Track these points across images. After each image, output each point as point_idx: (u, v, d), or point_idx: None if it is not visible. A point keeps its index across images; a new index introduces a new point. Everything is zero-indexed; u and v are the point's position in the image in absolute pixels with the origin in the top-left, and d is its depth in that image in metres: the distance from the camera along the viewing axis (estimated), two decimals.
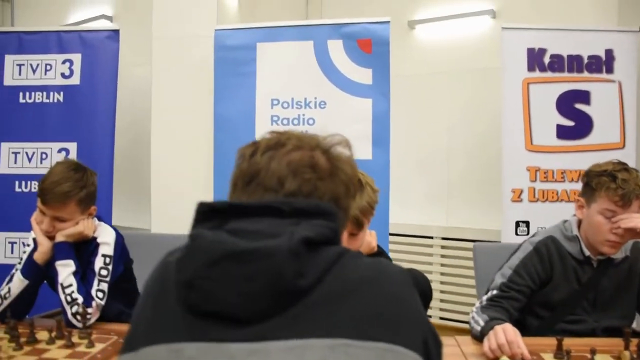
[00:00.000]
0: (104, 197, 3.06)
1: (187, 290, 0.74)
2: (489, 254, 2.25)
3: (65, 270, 1.78)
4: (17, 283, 1.81)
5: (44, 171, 3.29)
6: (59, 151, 3.35)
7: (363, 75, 3.04)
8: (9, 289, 1.82)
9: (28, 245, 1.96)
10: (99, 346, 1.55)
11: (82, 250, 1.86)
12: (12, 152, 3.41)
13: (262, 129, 3.08)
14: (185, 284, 0.74)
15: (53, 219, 1.81)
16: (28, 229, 3.32)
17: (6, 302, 1.81)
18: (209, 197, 3.15)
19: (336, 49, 3.07)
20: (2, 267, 3.26)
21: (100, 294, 1.78)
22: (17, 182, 3.39)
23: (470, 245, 2.48)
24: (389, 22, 3.06)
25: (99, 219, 1.95)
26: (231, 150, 3.00)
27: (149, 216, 3.31)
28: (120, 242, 1.90)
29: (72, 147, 3.34)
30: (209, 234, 0.75)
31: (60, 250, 1.80)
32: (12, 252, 3.36)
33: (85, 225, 1.85)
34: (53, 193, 1.76)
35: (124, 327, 1.77)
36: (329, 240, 0.77)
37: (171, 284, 0.78)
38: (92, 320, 1.72)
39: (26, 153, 3.39)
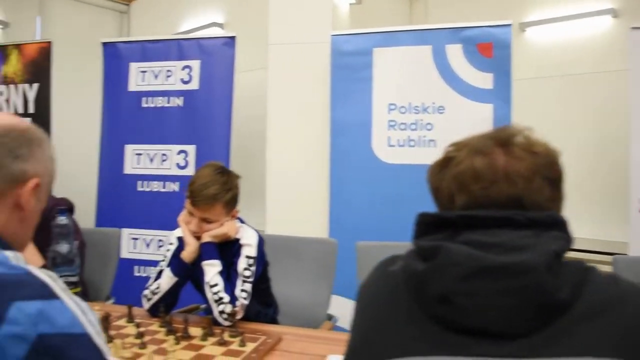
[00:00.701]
0: None
1: (441, 304, 0.73)
2: (630, 268, 2.12)
3: (212, 269, 1.84)
4: (167, 280, 1.90)
5: (165, 172, 3.53)
6: (179, 153, 3.51)
7: (483, 80, 2.98)
8: (159, 285, 1.91)
9: (171, 243, 2.04)
10: (250, 345, 1.59)
11: (225, 251, 1.92)
12: (136, 154, 3.60)
13: (379, 134, 3.10)
14: (439, 299, 0.74)
15: (201, 220, 1.88)
16: (149, 226, 3.53)
17: (156, 297, 1.90)
18: (324, 201, 3.18)
19: (455, 53, 3.02)
20: (126, 261, 3.45)
21: (244, 294, 1.83)
22: (139, 182, 3.58)
23: (594, 257, 2.34)
24: (510, 25, 2.98)
25: (241, 221, 2.01)
26: (348, 155, 3.03)
27: (263, 218, 3.39)
28: (261, 244, 1.95)
29: (191, 149, 3.48)
30: (453, 247, 0.75)
31: (207, 251, 1.87)
32: (134, 248, 3.55)
33: (230, 227, 1.91)
34: (202, 195, 1.82)
35: (270, 328, 1.82)
36: (566, 252, 0.75)
37: (402, 295, 0.77)
38: (237, 319, 1.77)
39: (148, 155, 3.57)
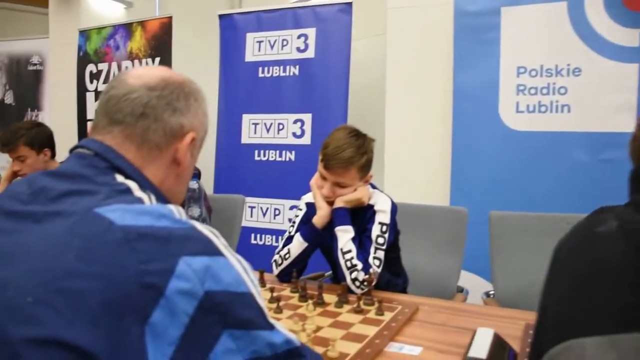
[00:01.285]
0: None
1: None
2: None
3: (345, 236, 1.79)
4: (297, 245, 1.87)
5: (281, 141, 3.54)
6: (295, 122, 3.50)
7: (627, 37, 2.68)
8: (289, 250, 1.89)
9: (300, 209, 2.02)
10: (388, 315, 1.53)
11: (357, 216, 1.86)
12: (252, 124, 3.64)
13: (507, 99, 2.90)
14: None
15: (334, 184, 1.83)
16: (265, 195, 3.56)
17: (286, 263, 1.89)
18: (445, 170, 3.05)
19: (595, 8, 2.74)
20: (244, 229, 3.50)
21: (377, 262, 1.77)
22: (256, 152, 3.62)
23: None
24: None
25: (372, 187, 1.95)
26: (472, 122, 2.86)
27: (381, 186, 3.30)
28: (394, 212, 1.87)
29: (307, 118, 3.46)
30: None
31: (339, 216, 1.82)
32: (251, 216, 3.61)
33: (363, 192, 1.85)
34: (337, 159, 1.77)
35: (404, 298, 1.75)
36: None
37: (627, 258, 0.67)
38: (370, 287, 1.72)
39: (265, 124, 3.59)
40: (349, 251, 1.77)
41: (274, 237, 3.54)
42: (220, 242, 0.78)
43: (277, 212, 3.53)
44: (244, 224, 3.57)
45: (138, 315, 0.66)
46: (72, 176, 0.81)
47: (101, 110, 0.91)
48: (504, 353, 1.21)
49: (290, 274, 1.87)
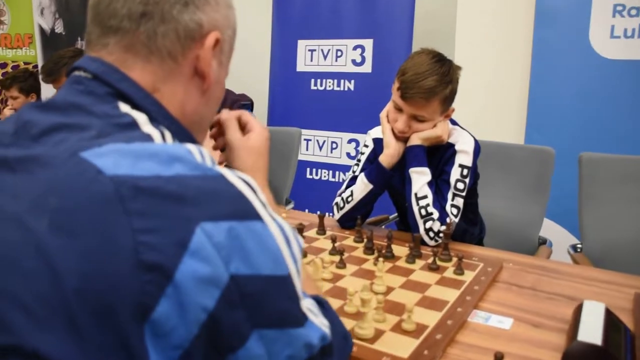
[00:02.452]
0: None
1: None
2: None
3: (421, 179, 1.56)
4: (361, 187, 1.66)
5: (339, 69, 3.27)
6: (354, 48, 3.21)
7: None
8: (352, 192, 1.69)
9: (366, 145, 1.80)
10: (468, 274, 1.33)
11: (434, 157, 1.62)
12: (309, 50, 3.38)
13: (600, 22, 2.53)
14: None
15: (410, 117, 1.57)
16: (322, 127, 3.35)
17: (348, 207, 1.69)
18: (522, 104, 2.75)
19: None
20: (299, 163, 3.33)
21: (454, 210, 1.55)
22: (312, 80, 3.37)
23: None
24: None
25: (453, 123, 1.69)
26: (556, 49, 2.47)
27: None
28: (477, 153, 1.62)
29: (368, 44, 3.16)
30: None
31: (415, 156, 1.57)
32: (307, 150, 3.42)
33: (444, 128, 1.60)
34: (417, 87, 1.49)
35: (484, 252, 1.54)
36: None
37: None
38: (447, 240, 1.49)
39: (322, 50, 3.32)
40: (425, 197, 1.54)
41: (330, 172, 3.35)
42: (256, 198, 0.56)
43: (334, 145, 3.32)
44: (299, 157, 3.39)
45: (134, 308, 0.46)
46: (63, 107, 0.61)
47: (92, 17, 0.68)
48: (619, 336, 0.99)
49: (353, 219, 1.68)
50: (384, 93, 3.07)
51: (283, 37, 3.47)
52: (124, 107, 0.63)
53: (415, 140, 1.59)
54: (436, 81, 1.49)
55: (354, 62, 3.21)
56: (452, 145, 1.61)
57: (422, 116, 1.55)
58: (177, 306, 0.48)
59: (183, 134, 0.68)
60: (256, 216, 0.55)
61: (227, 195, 0.54)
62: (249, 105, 1.73)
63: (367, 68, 3.15)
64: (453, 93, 1.56)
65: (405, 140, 1.63)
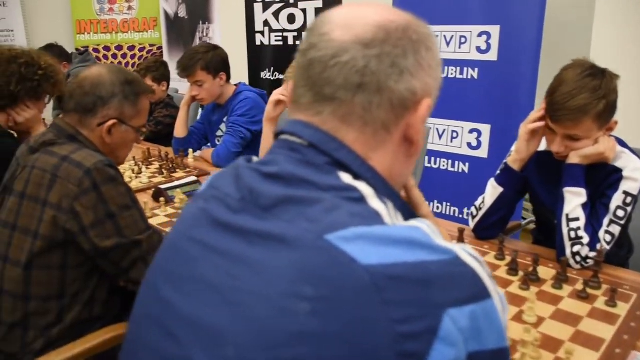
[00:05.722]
0: None
1: None
2: None
3: (575, 200, 1.48)
4: (491, 190, 1.64)
5: (463, 57, 3.17)
6: (480, 35, 3.08)
7: None
8: (483, 198, 1.67)
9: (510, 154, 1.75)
10: (621, 306, 1.27)
11: (594, 177, 1.52)
12: None
13: None
14: None
15: (564, 138, 1.49)
16: (442, 115, 3.28)
17: (480, 214, 1.67)
18: None
19: None
20: None
21: (608, 237, 1.46)
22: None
23: None
24: None
25: (622, 144, 1.55)
26: None
27: None
28: None
29: (494, 30, 3.02)
30: None
31: (572, 175, 1.49)
32: (426, 138, 3.37)
33: (608, 145, 1.48)
34: (566, 108, 1.41)
35: (638, 278, 1.46)
36: None
37: None
38: (598, 268, 1.39)
39: (444, 37, 3.23)
40: (576, 219, 1.47)
41: (449, 161, 3.27)
42: (485, 273, 0.59)
43: (454, 134, 3.24)
44: None
45: None
46: (287, 178, 0.63)
47: (302, 79, 0.68)
48: None
49: (489, 229, 1.65)
50: (511, 83, 2.97)
51: None
52: (346, 178, 0.64)
53: (574, 159, 1.50)
54: (586, 99, 1.39)
55: (478, 49, 3.09)
56: (619, 170, 1.50)
57: (577, 135, 1.47)
58: None
59: (395, 198, 0.69)
60: (488, 295, 0.58)
61: (466, 278, 0.57)
62: None
63: (492, 56, 3.03)
64: (609, 106, 1.43)
65: (538, 141, 1.58)
